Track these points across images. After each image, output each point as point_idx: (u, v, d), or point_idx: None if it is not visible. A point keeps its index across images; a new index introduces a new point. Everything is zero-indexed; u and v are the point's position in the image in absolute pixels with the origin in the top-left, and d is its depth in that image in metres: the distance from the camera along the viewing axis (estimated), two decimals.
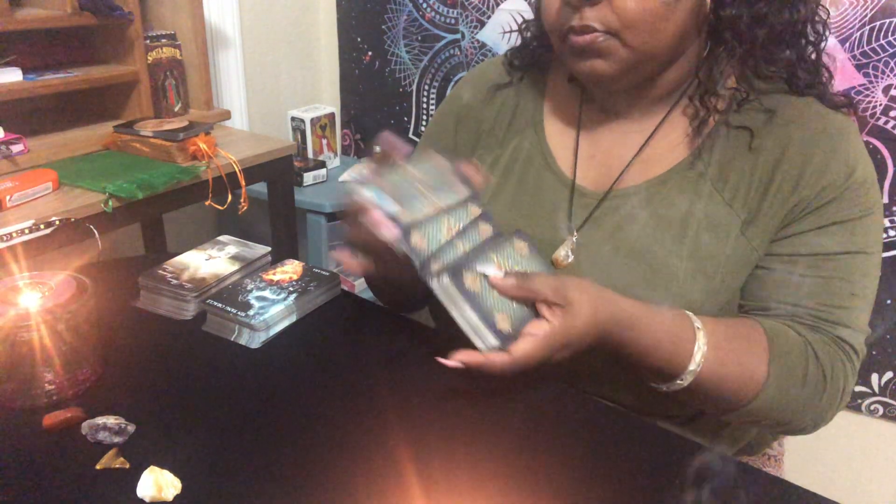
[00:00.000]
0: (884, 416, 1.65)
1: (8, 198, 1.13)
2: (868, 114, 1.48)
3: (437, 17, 1.99)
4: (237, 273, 0.92)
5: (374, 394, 0.74)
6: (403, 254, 0.68)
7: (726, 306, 0.79)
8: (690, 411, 0.85)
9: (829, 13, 0.79)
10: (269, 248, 0.98)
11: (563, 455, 0.66)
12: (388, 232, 0.67)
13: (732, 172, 0.78)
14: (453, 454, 0.65)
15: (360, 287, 2.06)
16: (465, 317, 0.67)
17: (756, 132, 0.77)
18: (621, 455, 0.67)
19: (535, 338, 0.66)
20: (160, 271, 0.90)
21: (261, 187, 1.67)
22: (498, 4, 1.88)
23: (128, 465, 0.62)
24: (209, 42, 1.77)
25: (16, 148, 1.27)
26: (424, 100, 2.11)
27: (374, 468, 0.63)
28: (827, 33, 0.79)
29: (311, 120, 2.07)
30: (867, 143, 1.48)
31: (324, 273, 0.93)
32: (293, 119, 2.10)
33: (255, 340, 0.82)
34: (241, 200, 1.45)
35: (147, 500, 0.58)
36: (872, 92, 1.46)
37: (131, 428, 0.66)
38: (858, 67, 1.46)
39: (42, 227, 1.10)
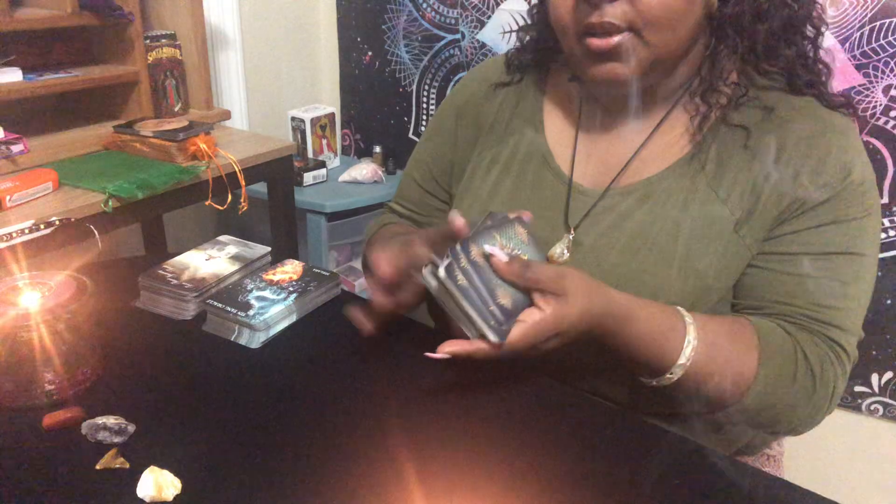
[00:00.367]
0: (884, 416, 1.65)
1: (8, 198, 1.13)
2: (868, 114, 1.48)
3: (437, 17, 1.99)
4: (237, 273, 0.92)
5: (374, 394, 0.74)
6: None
7: (719, 304, 0.79)
8: (681, 410, 0.85)
9: (824, 9, 0.79)
10: (269, 248, 0.98)
11: (563, 455, 0.66)
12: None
13: (729, 171, 0.78)
14: (453, 454, 0.65)
15: (360, 287, 2.07)
16: (461, 307, 0.67)
17: (753, 131, 0.77)
18: (619, 454, 0.67)
19: (525, 325, 0.66)
20: (160, 271, 0.90)
21: (261, 187, 1.67)
22: (498, 4, 1.88)
23: (128, 465, 0.62)
24: (209, 42, 1.77)
25: (16, 148, 1.27)
26: (424, 100, 2.11)
27: (374, 468, 0.63)
28: (823, 29, 0.79)
29: (311, 120, 2.07)
30: (867, 143, 1.48)
31: (324, 273, 0.93)
32: (293, 119, 2.10)
33: (255, 340, 0.82)
34: (241, 200, 1.45)
35: (147, 500, 0.58)
36: (872, 92, 1.46)
37: (131, 428, 0.66)
38: (858, 67, 1.47)
39: (42, 227, 1.10)
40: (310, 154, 2.10)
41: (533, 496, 0.60)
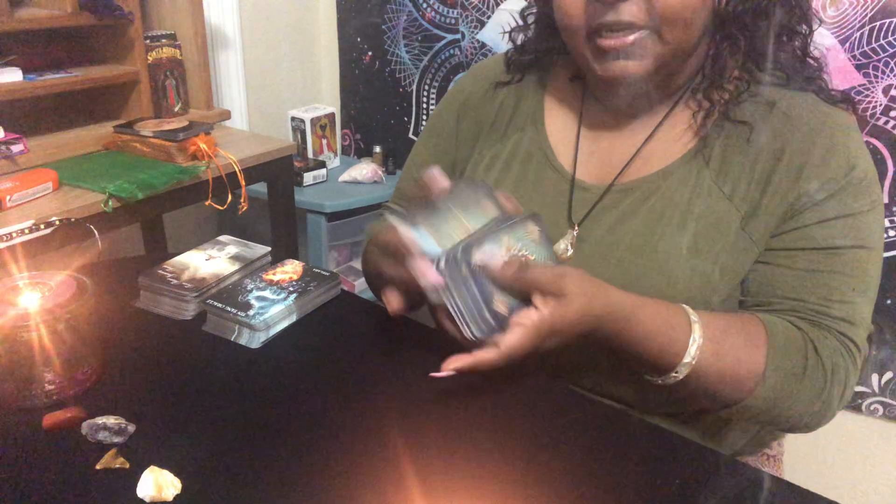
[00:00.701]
0: (884, 416, 1.65)
1: (8, 198, 1.13)
2: (868, 114, 1.48)
3: (437, 17, 1.99)
4: (237, 273, 0.92)
5: (374, 394, 0.74)
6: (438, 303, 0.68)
7: (726, 301, 0.79)
8: (690, 408, 0.85)
9: (817, 7, 0.80)
10: (269, 248, 0.98)
11: (564, 455, 0.66)
12: (428, 281, 0.67)
13: (733, 167, 0.78)
14: (453, 454, 0.65)
15: (360, 287, 2.06)
16: (457, 305, 0.67)
17: (756, 126, 0.77)
18: (621, 455, 0.67)
19: (524, 327, 0.66)
20: (160, 271, 0.90)
21: (261, 187, 1.67)
22: (498, 4, 1.88)
23: (128, 465, 0.62)
24: (209, 42, 1.77)
25: (16, 148, 1.27)
26: (424, 100, 2.11)
27: (374, 468, 0.63)
28: (816, 26, 0.79)
29: (311, 120, 2.07)
30: (867, 144, 1.48)
31: (324, 273, 0.93)
32: (293, 119, 2.10)
33: (255, 340, 0.82)
34: (241, 200, 1.45)
35: (147, 500, 0.58)
36: (872, 92, 1.46)
37: (131, 428, 0.66)
38: (858, 67, 1.46)
39: (42, 227, 1.10)
40: (310, 154, 2.10)
41: (533, 496, 0.60)
